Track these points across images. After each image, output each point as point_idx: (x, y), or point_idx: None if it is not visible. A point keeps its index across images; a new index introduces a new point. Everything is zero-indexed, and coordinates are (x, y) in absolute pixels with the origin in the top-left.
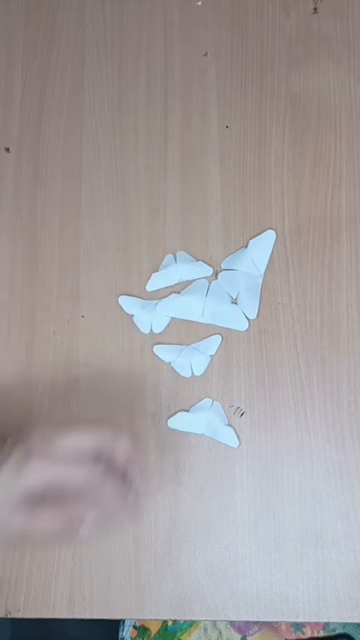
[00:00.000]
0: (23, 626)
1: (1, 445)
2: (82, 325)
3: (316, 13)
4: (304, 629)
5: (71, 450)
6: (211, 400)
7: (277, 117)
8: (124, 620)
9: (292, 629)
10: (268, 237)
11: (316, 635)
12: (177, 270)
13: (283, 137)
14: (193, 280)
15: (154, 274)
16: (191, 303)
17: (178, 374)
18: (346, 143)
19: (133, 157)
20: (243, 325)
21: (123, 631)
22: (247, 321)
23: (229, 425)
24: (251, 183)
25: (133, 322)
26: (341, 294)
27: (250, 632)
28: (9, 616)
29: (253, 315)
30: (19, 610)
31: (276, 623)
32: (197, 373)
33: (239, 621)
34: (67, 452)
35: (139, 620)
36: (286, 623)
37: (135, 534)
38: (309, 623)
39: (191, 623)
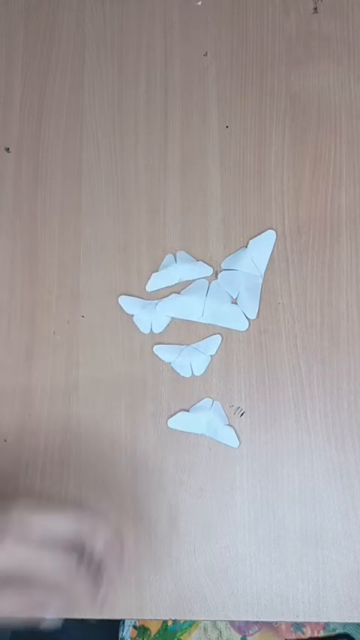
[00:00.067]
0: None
1: None
2: (82, 325)
3: (316, 13)
4: (304, 629)
5: (48, 534)
6: (211, 400)
7: (277, 117)
8: (124, 620)
9: (292, 629)
10: (268, 237)
11: (316, 635)
12: (177, 270)
13: (283, 137)
14: (193, 280)
15: (154, 274)
16: (191, 303)
17: (178, 374)
18: (346, 143)
19: (133, 157)
20: (243, 325)
21: (123, 631)
22: (247, 321)
23: (229, 425)
24: (251, 183)
25: (133, 322)
26: (341, 294)
27: (250, 632)
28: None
29: (253, 315)
30: None
31: (276, 623)
32: (197, 373)
33: (239, 621)
34: (44, 535)
35: (139, 620)
36: (286, 623)
37: (135, 534)
38: (309, 623)
39: (191, 623)
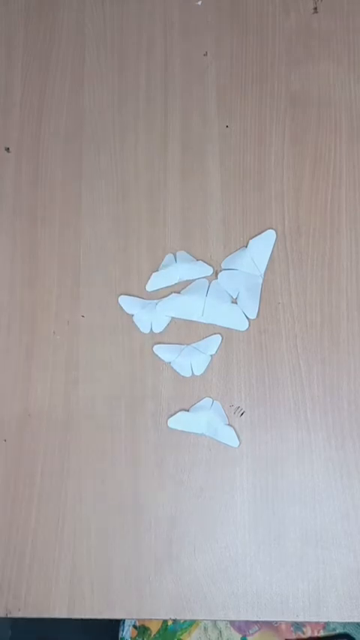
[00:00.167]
0: (23, 626)
1: None
2: (82, 325)
3: (316, 12)
4: (304, 629)
5: None
6: (211, 400)
7: (277, 117)
8: (124, 620)
9: (292, 628)
10: (268, 237)
11: (316, 634)
12: (177, 269)
13: (283, 137)
14: (193, 280)
15: (154, 274)
16: (191, 302)
17: (178, 374)
18: (346, 143)
19: (133, 157)
20: (243, 325)
21: (123, 631)
22: (247, 320)
23: (229, 425)
24: (251, 183)
25: (133, 322)
26: (341, 293)
27: (251, 632)
28: (9, 616)
29: (253, 315)
30: (19, 610)
31: (276, 622)
32: (197, 373)
33: (239, 621)
34: None
35: (139, 619)
36: (286, 622)
37: (135, 534)
38: (309, 623)
39: (191, 623)
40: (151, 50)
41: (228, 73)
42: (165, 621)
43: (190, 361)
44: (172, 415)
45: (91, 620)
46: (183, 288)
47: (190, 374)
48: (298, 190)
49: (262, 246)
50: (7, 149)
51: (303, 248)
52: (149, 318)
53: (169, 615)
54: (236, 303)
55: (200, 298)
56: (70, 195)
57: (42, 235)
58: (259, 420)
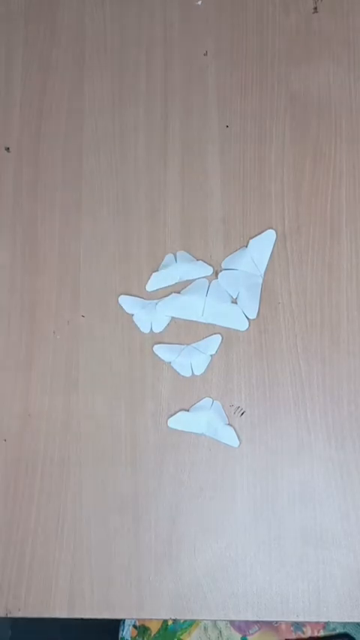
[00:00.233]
0: (23, 625)
1: None
2: (82, 325)
3: (316, 12)
4: (304, 629)
5: None
6: (211, 400)
7: (277, 116)
8: (124, 620)
9: (292, 628)
10: (269, 237)
11: (316, 634)
12: (177, 269)
13: (283, 136)
14: (193, 280)
15: (154, 274)
16: (191, 302)
17: (178, 373)
18: (347, 142)
19: (133, 156)
20: (243, 325)
21: (123, 631)
22: (247, 320)
23: (229, 424)
24: (251, 183)
25: (133, 322)
26: (341, 294)
27: (251, 632)
28: (9, 615)
29: (253, 315)
30: (19, 610)
31: (276, 622)
32: (197, 373)
33: (239, 621)
34: None
35: (139, 619)
36: (286, 622)
37: (135, 534)
38: (309, 623)
39: (191, 623)
40: (151, 50)
41: (228, 73)
42: (165, 621)
43: (190, 361)
44: (172, 415)
45: (91, 620)
46: (183, 288)
47: (190, 374)
48: (298, 190)
49: (262, 246)
50: (7, 149)
51: (303, 248)
52: (149, 318)
53: (169, 615)
54: (236, 303)
55: (200, 298)
56: (70, 195)
57: (42, 235)
58: (259, 420)
